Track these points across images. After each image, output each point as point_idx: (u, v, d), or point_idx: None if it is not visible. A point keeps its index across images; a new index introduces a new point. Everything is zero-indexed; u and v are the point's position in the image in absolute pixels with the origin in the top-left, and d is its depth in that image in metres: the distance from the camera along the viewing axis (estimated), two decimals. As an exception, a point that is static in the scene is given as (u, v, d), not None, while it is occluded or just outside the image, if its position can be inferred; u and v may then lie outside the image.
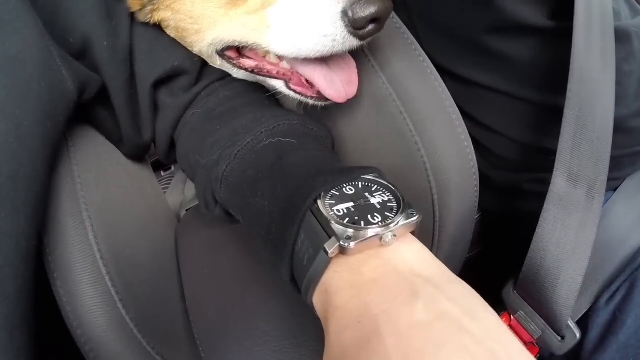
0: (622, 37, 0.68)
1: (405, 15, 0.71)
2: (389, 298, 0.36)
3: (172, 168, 1.09)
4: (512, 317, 0.66)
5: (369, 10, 0.50)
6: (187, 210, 0.84)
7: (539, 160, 0.72)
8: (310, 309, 0.44)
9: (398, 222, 0.41)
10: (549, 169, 0.61)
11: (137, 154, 0.73)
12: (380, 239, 0.40)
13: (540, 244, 0.60)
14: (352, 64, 0.61)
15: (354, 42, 0.53)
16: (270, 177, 0.51)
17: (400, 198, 0.44)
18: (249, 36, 0.59)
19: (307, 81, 0.61)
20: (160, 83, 0.65)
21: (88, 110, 0.63)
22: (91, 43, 0.60)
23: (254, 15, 0.57)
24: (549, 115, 0.70)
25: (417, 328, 0.34)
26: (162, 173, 1.08)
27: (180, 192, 0.97)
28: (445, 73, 0.68)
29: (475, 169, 0.62)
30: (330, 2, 0.51)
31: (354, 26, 0.51)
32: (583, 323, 0.70)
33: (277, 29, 0.56)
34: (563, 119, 0.60)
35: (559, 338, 0.62)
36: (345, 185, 0.46)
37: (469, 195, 0.61)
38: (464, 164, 0.60)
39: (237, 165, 0.56)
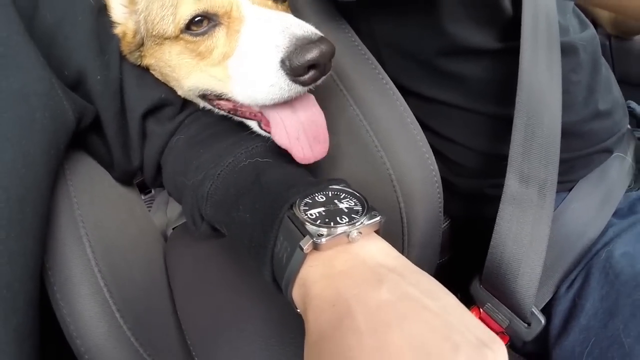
0: (569, 50, 0.75)
1: (370, 40, 0.77)
2: (358, 284, 0.42)
3: (152, 192, 1.12)
4: (480, 310, 0.71)
5: (304, 57, 0.53)
6: (173, 229, 0.88)
7: (497, 167, 0.77)
8: (291, 304, 0.49)
9: (362, 222, 0.47)
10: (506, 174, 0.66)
11: (126, 178, 0.77)
12: (348, 235, 0.46)
13: (499, 239, 0.65)
14: (320, 117, 0.63)
15: (298, 88, 0.57)
16: (250, 193, 0.57)
17: (364, 203, 0.51)
18: (216, 86, 0.65)
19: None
20: (148, 113, 0.70)
21: (82, 137, 0.67)
22: (85, 76, 0.65)
23: (218, 66, 0.64)
24: (502, 125, 0.74)
25: (383, 306, 0.39)
26: (143, 197, 1.11)
27: (163, 213, 1.01)
28: (408, 93, 0.74)
29: (438, 178, 0.67)
30: (270, 53, 0.55)
31: (294, 74, 0.55)
32: (547, 311, 0.74)
33: (236, 80, 0.61)
34: (513, 127, 0.65)
35: (526, 325, 0.67)
36: (317, 195, 0.52)
37: (433, 201, 0.67)
38: (426, 174, 0.66)
39: (221, 184, 0.61)
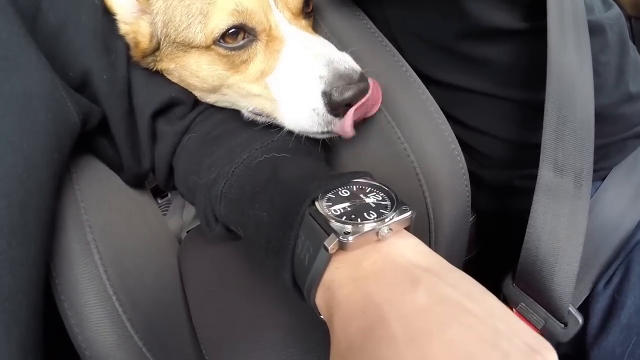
0: (596, 30, 0.71)
1: (386, 27, 0.74)
2: (390, 287, 0.38)
3: (169, 195, 1.10)
4: (513, 310, 0.67)
5: (344, 96, 0.57)
6: (187, 232, 0.85)
7: (526, 156, 0.74)
8: (314, 310, 0.45)
9: (392, 217, 0.43)
10: (537, 164, 0.62)
11: (137, 182, 0.75)
12: (377, 233, 0.42)
13: (533, 234, 0.61)
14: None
15: (330, 118, 0.59)
16: (267, 190, 0.53)
17: (393, 196, 0.47)
18: (265, 106, 0.64)
19: None
20: (158, 113, 0.67)
21: (89, 139, 0.66)
22: (91, 76, 0.63)
23: (256, 83, 0.63)
24: (531, 112, 0.71)
25: (420, 312, 0.35)
26: (159, 200, 1.10)
27: (179, 217, 0.99)
28: (428, 80, 0.71)
29: (465, 170, 0.63)
30: (314, 82, 0.58)
31: (331, 107, 0.58)
32: (584, 309, 0.71)
33: (283, 105, 0.62)
34: (544, 112, 0.62)
35: (562, 325, 0.63)
36: (340, 189, 0.48)
37: (461, 195, 0.63)
38: (453, 166, 0.62)
39: (235, 182, 0.58)
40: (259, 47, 0.63)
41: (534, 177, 0.63)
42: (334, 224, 0.43)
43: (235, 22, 0.60)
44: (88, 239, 0.57)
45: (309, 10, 0.68)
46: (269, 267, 0.53)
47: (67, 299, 0.55)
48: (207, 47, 0.62)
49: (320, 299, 0.44)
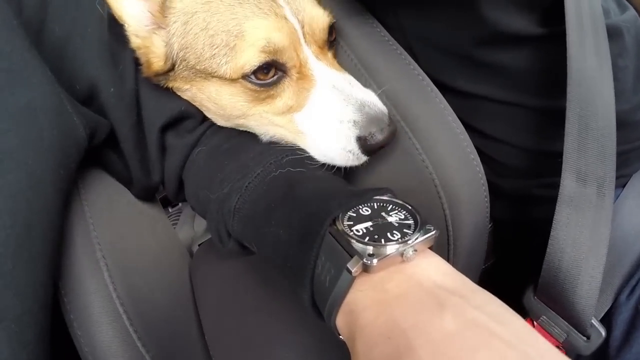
0: (614, 33, 0.69)
1: (401, 36, 0.72)
2: (416, 312, 0.37)
3: (180, 204, 1.09)
4: (534, 323, 0.65)
5: (377, 140, 0.58)
6: (199, 245, 0.83)
7: (545, 165, 0.73)
8: (333, 331, 0.44)
9: (417, 238, 0.42)
10: (557, 172, 0.61)
11: (147, 195, 0.73)
12: (402, 255, 0.41)
13: (556, 246, 0.59)
14: None
15: (364, 158, 0.61)
16: (283, 206, 0.52)
17: (417, 215, 0.45)
18: (287, 136, 0.64)
19: None
20: (167, 127, 0.66)
21: (97, 153, 0.64)
22: (98, 89, 0.61)
23: (281, 116, 0.62)
24: (549, 119, 0.70)
25: (449, 338, 0.34)
26: (170, 209, 1.09)
27: (190, 227, 0.97)
28: (444, 89, 0.69)
29: (484, 180, 0.62)
30: (348, 126, 0.59)
31: (365, 149, 0.59)
32: (606, 321, 0.69)
33: (311, 137, 0.62)
34: (566, 120, 0.60)
35: (585, 338, 0.62)
36: (361, 207, 0.46)
37: (480, 206, 0.62)
38: (472, 176, 0.61)
39: (249, 197, 0.56)
40: (287, 83, 0.62)
41: (552, 186, 0.62)
42: (357, 245, 0.41)
43: (267, 59, 0.58)
44: (97, 256, 0.56)
45: (332, 39, 0.67)
46: (285, 284, 0.51)
47: (77, 319, 0.54)
48: (233, 80, 0.60)
49: (341, 321, 0.42)
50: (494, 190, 0.68)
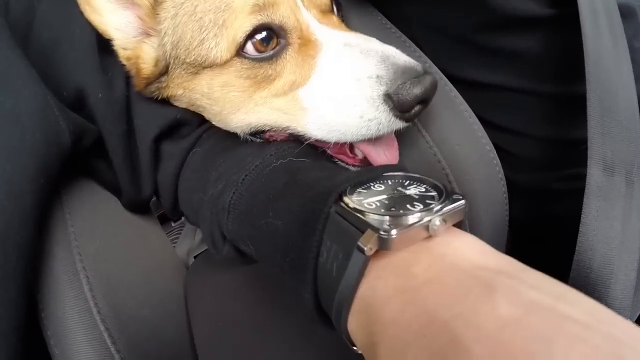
0: (627, 13, 0.66)
1: (406, 26, 0.68)
2: (458, 299, 0.29)
3: (182, 218, 1.05)
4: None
5: (414, 92, 0.47)
6: (195, 258, 0.78)
7: (564, 155, 0.68)
8: (345, 340, 0.36)
9: (443, 207, 0.34)
10: (576, 162, 0.56)
11: (137, 208, 0.68)
12: (427, 228, 0.33)
13: (586, 243, 0.53)
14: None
15: (400, 124, 0.50)
16: (283, 195, 0.45)
17: (440, 187, 0.38)
18: (281, 119, 0.55)
19: (350, 149, 0.56)
20: (161, 136, 0.61)
21: (84, 159, 0.60)
22: (85, 94, 0.57)
23: (283, 97, 0.54)
24: (566, 106, 0.65)
25: (509, 327, 0.26)
26: (173, 224, 1.05)
27: (191, 240, 0.93)
28: (453, 79, 0.65)
29: (502, 174, 0.57)
30: (370, 84, 0.49)
31: (400, 109, 0.48)
32: None
33: (315, 112, 0.53)
34: (587, 104, 0.55)
35: (619, 342, 0.55)
36: (372, 184, 0.40)
37: (499, 203, 0.56)
38: (489, 170, 0.55)
39: (245, 191, 0.50)
40: (289, 56, 0.54)
41: (574, 178, 0.58)
42: (370, 217, 0.34)
43: (261, 21, 0.52)
44: (77, 267, 0.51)
45: (340, 15, 0.61)
46: (286, 297, 0.44)
47: (54, 335, 0.49)
48: (225, 64, 0.54)
49: (355, 323, 0.34)
50: (509, 187, 0.64)
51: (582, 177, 0.55)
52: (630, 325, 0.27)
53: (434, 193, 0.37)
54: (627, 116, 0.55)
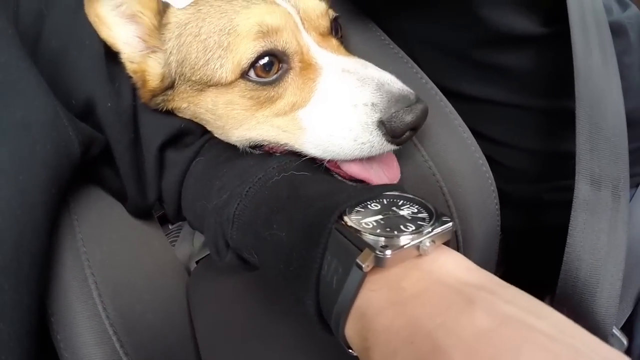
0: (618, 30, 0.68)
1: (402, 40, 0.70)
2: (441, 310, 0.33)
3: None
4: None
5: (406, 121, 0.50)
6: (197, 262, 0.80)
7: (555, 167, 0.70)
8: (342, 344, 0.39)
9: (433, 229, 0.38)
10: (567, 174, 0.58)
11: (142, 214, 0.70)
12: (418, 247, 0.37)
13: (573, 254, 0.56)
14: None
15: (391, 147, 0.53)
16: (286, 208, 0.48)
17: (431, 208, 0.42)
18: (280, 137, 0.58)
19: None
20: (166, 145, 0.63)
21: (91, 168, 0.61)
22: (94, 104, 0.58)
23: (284, 116, 0.57)
24: (557, 120, 0.68)
25: (484, 336, 0.30)
26: (170, 226, 1.06)
27: (189, 243, 0.94)
28: (448, 93, 0.67)
29: (494, 187, 0.59)
30: (365, 111, 0.52)
31: (392, 135, 0.51)
32: (627, 329, 0.66)
33: (312, 132, 0.55)
34: (576, 121, 0.58)
35: (606, 349, 0.58)
36: (369, 203, 0.43)
37: (490, 214, 0.59)
38: (482, 183, 0.58)
39: (249, 202, 0.53)
40: (291, 79, 0.56)
41: (563, 189, 0.59)
42: (367, 237, 0.37)
43: (265, 48, 0.54)
44: (86, 273, 0.53)
45: (339, 36, 0.63)
46: (289, 295, 0.47)
47: (64, 339, 0.50)
48: (230, 84, 0.56)
49: (351, 329, 0.38)
50: (501, 198, 0.66)
51: (572, 189, 0.57)
52: (592, 338, 0.31)
53: (425, 214, 0.41)
54: (615, 133, 0.57)
